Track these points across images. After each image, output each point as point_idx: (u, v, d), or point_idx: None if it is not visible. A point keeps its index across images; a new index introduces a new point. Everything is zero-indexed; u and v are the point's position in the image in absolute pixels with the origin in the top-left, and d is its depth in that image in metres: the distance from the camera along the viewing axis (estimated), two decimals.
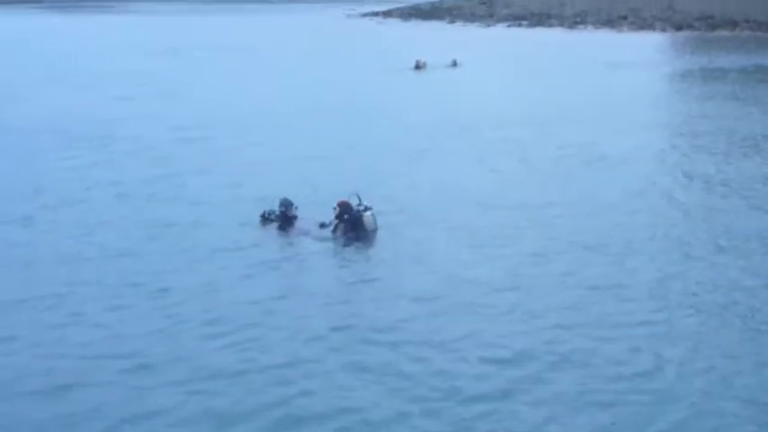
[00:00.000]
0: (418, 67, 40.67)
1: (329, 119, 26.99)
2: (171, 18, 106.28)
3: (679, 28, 65.62)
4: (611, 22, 73.18)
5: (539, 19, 79.61)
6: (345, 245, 14.18)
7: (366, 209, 14.57)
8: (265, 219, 15.38)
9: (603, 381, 9.45)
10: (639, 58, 46.63)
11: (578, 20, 76.52)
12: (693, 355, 10.11)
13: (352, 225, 14.48)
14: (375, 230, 14.53)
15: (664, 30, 66.10)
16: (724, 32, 61.86)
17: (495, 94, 33.13)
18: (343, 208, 14.63)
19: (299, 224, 15.06)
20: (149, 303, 11.64)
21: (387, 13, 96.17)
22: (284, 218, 15.16)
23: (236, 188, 18.02)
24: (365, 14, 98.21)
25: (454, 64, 42.11)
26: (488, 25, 79.34)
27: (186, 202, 16.97)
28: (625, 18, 73.57)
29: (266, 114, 28.41)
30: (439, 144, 22.69)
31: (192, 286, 12.21)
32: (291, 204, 15.24)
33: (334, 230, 14.58)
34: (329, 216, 14.64)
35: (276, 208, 15.29)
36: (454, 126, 25.33)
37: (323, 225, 14.70)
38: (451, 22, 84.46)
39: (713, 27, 63.72)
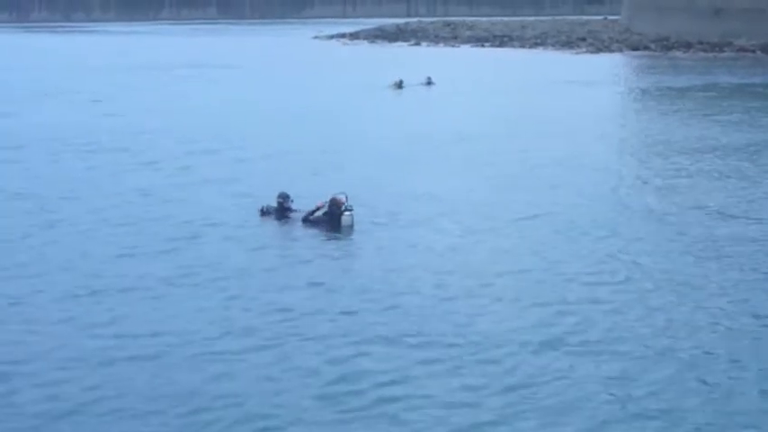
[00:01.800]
0: (398, 85, 41.59)
1: (320, 134, 28.09)
2: (147, 38, 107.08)
3: (636, 49, 68.10)
4: (570, 43, 75.66)
5: (501, 41, 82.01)
6: (330, 238, 15.49)
7: (346, 209, 15.95)
8: (264, 212, 16.93)
9: (590, 360, 10.21)
10: (600, 77, 48.74)
11: (538, 41, 79.08)
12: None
13: (329, 220, 15.96)
14: (351, 227, 15.90)
15: (621, 51, 68.61)
16: (679, 53, 64.43)
17: (473, 110, 34.75)
18: (333, 202, 16.06)
19: (294, 215, 16.55)
20: (172, 292, 12.85)
21: (353, 35, 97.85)
22: (281, 209, 16.67)
23: (238, 190, 19.44)
24: (332, 36, 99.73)
25: (429, 82, 43.00)
26: (453, 46, 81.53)
27: (193, 203, 18.30)
28: (584, 40, 76.07)
29: (259, 128, 29.80)
30: (428, 156, 24.05)
31: (208, 277, 13.40)
32: (288, 197, 16.72)
33: (313, 220, 16.07)
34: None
35: (273, 203, 16.77)
36: (439, 139, 26.74)
37: (310, 213, 16.22)
38: (417, 43, 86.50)
39: (669, 48, 66.29)
